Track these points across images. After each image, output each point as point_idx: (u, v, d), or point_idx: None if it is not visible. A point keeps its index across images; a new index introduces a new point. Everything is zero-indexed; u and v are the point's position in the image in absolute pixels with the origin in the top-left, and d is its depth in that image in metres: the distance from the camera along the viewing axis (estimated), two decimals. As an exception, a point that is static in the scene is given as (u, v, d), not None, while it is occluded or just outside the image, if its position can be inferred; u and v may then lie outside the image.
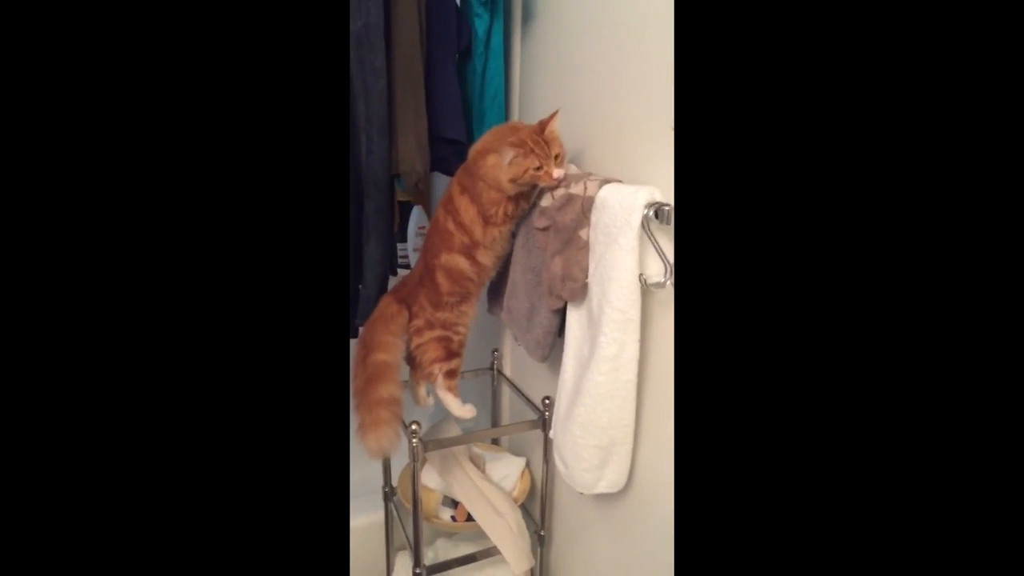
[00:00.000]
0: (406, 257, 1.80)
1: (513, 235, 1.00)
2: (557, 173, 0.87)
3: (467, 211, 0.95)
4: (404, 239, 1.78)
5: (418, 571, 1.09)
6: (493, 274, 1.04)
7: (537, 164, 0.86)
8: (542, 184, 0.89)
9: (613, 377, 0.79)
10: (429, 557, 1.26)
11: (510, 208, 0.94)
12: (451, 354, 1.04)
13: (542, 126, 0.88)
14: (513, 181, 0.88)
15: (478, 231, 0.96)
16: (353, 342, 1.05)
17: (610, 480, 0.87)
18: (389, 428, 0.96)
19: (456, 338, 1.04)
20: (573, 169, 0.94)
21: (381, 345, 0.99)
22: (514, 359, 1.35)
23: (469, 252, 0.98)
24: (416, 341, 1.03)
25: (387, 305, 1.03)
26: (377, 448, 0.96)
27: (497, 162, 0.88)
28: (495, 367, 1.37)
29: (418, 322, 1.03)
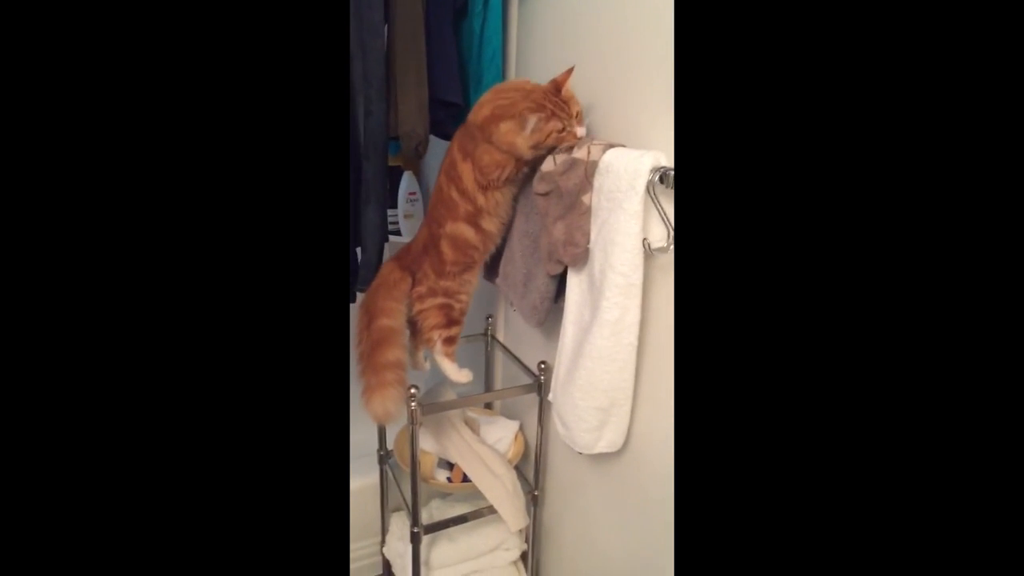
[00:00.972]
0: (396, 223, 1.78)
1: (515, 200, 1.00)
2: (580, 132, 0.86)
3: (468, 177, 0.95)
4: (394, 205, 1.76)
5: (416, 530, 1.12)
6: (499, 240, 1.04)
7: (561, 126, 0.85)
8: (566, 144, 0.87)
9: (614, 341, 0.81)
10: (425, 517, 1.29)
11: (510, 171, 0.93)
12: (451, 321, 1.05)
13: (557, 85, 0.86)
14: (535, 147, 0.87)
15: (480, 198, 0.96)
16: (352, 307, 1.05)
17: (609, 440, 0.89)
18: (394, 391, 0.97)
19: (457, 306, 1.05)
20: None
21: (385, 311, 1.00)
22: (508, 325, 1.36)
23: (474, 220, 0.98)
24: (418, 307, 1.04)
25: (390, 272, 1.04)
26: (383, 411, 0.97)
27: (513, 128, 0.87)
28: (489, 333, 1.38)
29: (420, 289, 1.03)
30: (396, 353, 0.99)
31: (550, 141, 0.86)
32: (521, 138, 0.87)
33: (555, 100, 0.85)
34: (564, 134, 0.86)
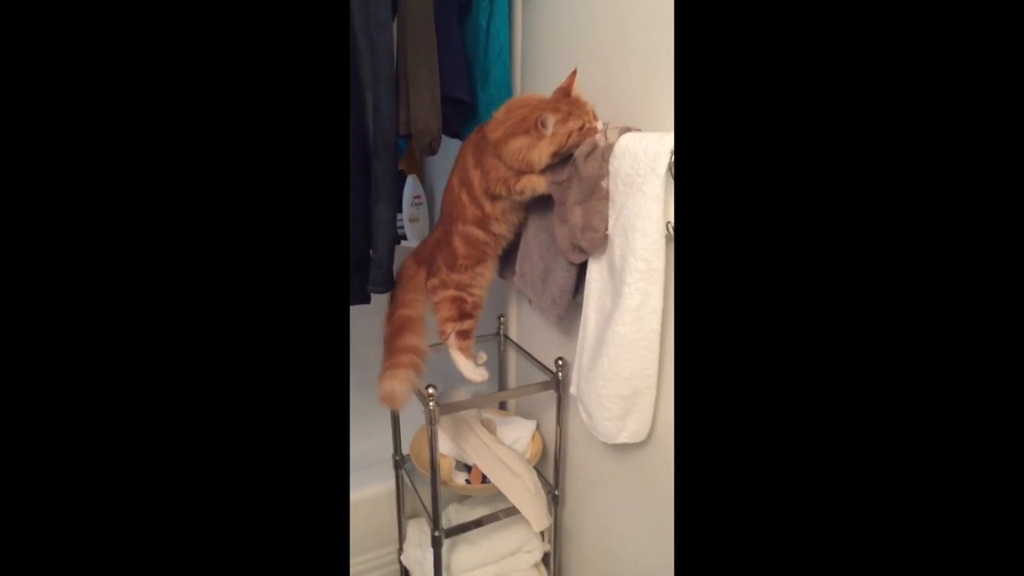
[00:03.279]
0: (402, 227, 1.77)
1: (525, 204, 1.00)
2: (599, 125, 0.85)
3: (479, 185, 0.96)
4: (399, 209, 1.76)
5: (437, 534, 1.09)
6: (511, 238, 1.04)
7: (580, 124, 0.84)
8: (590, 138, 0.85)
9: (636, 327, 0.80)
10: (443, 522, 1.26)
11: (512, 183, 0.92)
12: (464, 314, 1.05)
13: (565, 91, 0.86)
14: (556, 153, 0.86)
15: (487, 205, 0.97)
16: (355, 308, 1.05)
17: (632, 430, 0.87)
18: (404, 372, 1.00)
19: (470, 299, 1.05)
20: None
21: (405, 302, 1.06)
22: (520, 324, 1.34)
23: (482, 224, 0.99)
24: (432, 299, 1.07)
25: (408, 266, 1.09)
26: (388, 389, 0.99)
27: (526, 143, 0.86)
28: (501, 332, 1.37)
29: (434, 281, 1.06)
30: (412, 339, 1.03)
31: (572, 140, 0.85)
32: (537, 151, 0.86)
33: (568, 102, 0.85)
34: (584, 131, 0.84)
